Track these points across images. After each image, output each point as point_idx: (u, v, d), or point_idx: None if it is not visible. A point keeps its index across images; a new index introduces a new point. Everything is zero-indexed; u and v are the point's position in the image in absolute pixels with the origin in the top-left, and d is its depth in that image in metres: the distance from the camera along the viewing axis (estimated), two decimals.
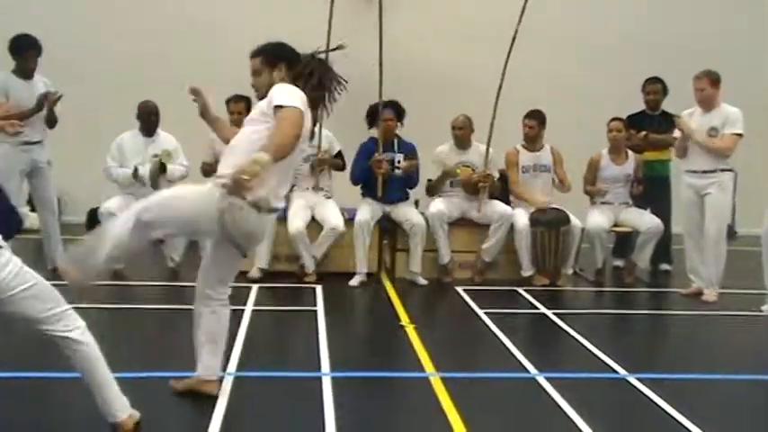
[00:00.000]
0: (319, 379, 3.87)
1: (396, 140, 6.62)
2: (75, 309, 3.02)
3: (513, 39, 6.62)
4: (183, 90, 4.04)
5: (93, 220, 7.29)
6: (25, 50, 6.02)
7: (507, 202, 6.77)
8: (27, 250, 6.69)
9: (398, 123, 6.64)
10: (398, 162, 6.55)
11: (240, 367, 4.03)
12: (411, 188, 6.72)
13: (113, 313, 5.23)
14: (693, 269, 6.23)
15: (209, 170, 6.60)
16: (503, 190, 6.85)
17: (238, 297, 5.55)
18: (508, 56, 6.62)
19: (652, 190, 6.86)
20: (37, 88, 6.12)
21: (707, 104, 5.98)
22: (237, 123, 6.48)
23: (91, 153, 7.17)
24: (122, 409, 3.02)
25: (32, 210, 7.11)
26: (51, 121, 6.21)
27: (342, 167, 6.77)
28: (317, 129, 6.29)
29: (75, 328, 2.95)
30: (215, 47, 8.92)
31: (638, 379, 3.99)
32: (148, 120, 6.50)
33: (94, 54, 8.88)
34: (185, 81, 8.12)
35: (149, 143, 6.51)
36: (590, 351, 4.54)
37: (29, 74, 6.10)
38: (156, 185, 6.15)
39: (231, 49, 8.73)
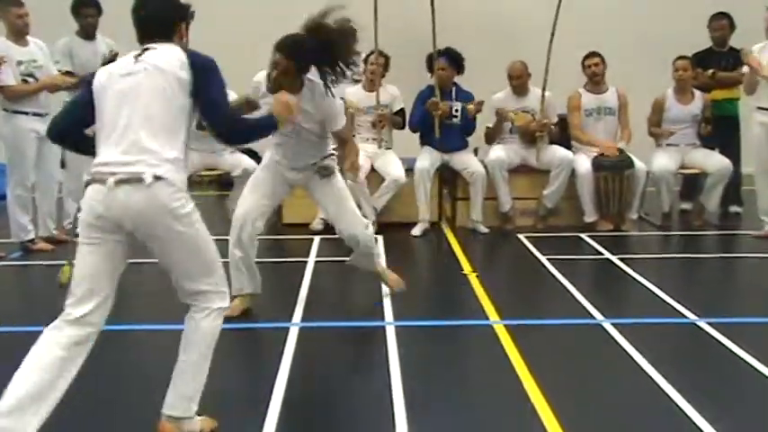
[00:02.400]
0: (383, 328, 3.90)
1: (453, 89, 6.52)
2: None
3: None
4: None
5: None
6: (79, 8, 6.09)
7: (568, 147, 6.63)
8: None
9: (456, 72, 6.52)
10: (456, 110, 6.46)
11: (304, 317, 4.08)
12: (469, 135, 6.63)
13: None
14: (766, 210, 6.03)
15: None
16: (562, 135, 6.71)
17: (301, 249, 5.66)
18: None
19: (720, 130, 6.62)
20: (100, 48, 6.20)
21: None
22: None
23: None
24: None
25: None
26: None
27: (402, 125, 6.69)
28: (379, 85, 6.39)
29: (215, 308, 2.74)
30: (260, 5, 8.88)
31: (709, 323, 3.90)
32: None
33: None
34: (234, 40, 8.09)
35: None
36: (657, 296, 4.45)
37: (90, 34, 6.16)
38: None
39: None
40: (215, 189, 8.46)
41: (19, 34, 5.60)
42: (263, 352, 3.70)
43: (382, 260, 5.01)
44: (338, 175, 4.16)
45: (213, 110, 2.69)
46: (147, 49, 2.67)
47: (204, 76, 2.64)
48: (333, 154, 4.17)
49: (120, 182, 2.50)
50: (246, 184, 4.23)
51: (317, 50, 3.67)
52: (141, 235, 2.57)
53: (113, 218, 2.52)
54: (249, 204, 4.07)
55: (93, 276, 2.56)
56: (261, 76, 3.93)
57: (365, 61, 6.53)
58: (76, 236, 2.66)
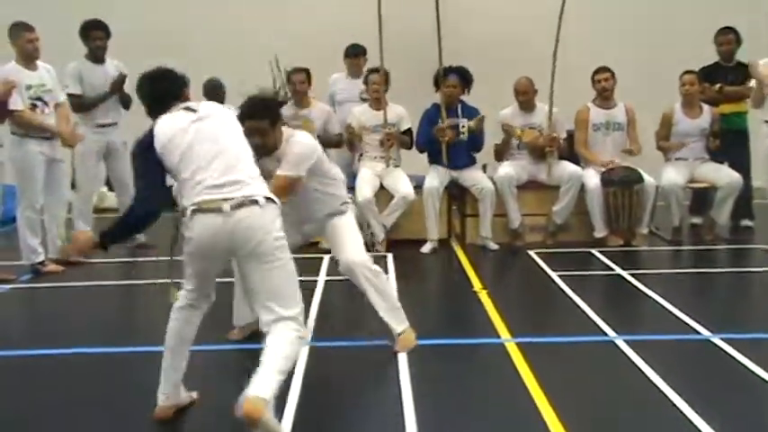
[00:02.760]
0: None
1: (459, 106, 6.53)
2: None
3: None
4: None
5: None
6: (88, 32, 6.14)
7: (577, 162, 6.62)
8: None
9: (464, 90, 6.54)
10: (462, 127, 6.47)
11: (315, 336, 4.07)
12: (477, 152, 6.63)
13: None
14: None
15: None
16: (571, 150, 6.70)
17: (311, 267, 5.65)
18: (561, 12, 6.41)
19: (729, 143, 6.60)
20: (110, 71, 6.24)
21: None
22: (300, 95, 6.55)
23: None
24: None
25: (111, 189, 7.34)
26: (126, 102, 6.32)
27: (409, 145, 6.67)
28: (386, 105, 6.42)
29: (294, 330, 2.89)
30: (269, 20, 8.94)
31: (723, 339, 3.87)
32: (213, 96, 6.56)
33: (160, 31, 8.95)
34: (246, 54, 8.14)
35: None
36: (670, 312, 4.42)
37: (99, 57, 6.22)
38: None
39: (283, 20, 8.89)
40: None
41: (29, 59, 5.64)
42: None
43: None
44: (348, 212, 4.03)
45: None
46: (187, 107, 3.04)
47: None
48: (347, 201, 4.04)
49: (236, 206, 2.81)
50: None
51: (274, 102, 3.84)
52: (247, 255, 2.86)
53: (228, 242, 2.84)
54: None
55: (202, 282, 3.03)
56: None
57: (366, 80, 6.57)
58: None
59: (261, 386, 2.64)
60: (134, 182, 3.13)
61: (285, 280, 2.91)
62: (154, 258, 6.09)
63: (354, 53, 7.10)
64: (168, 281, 3.14)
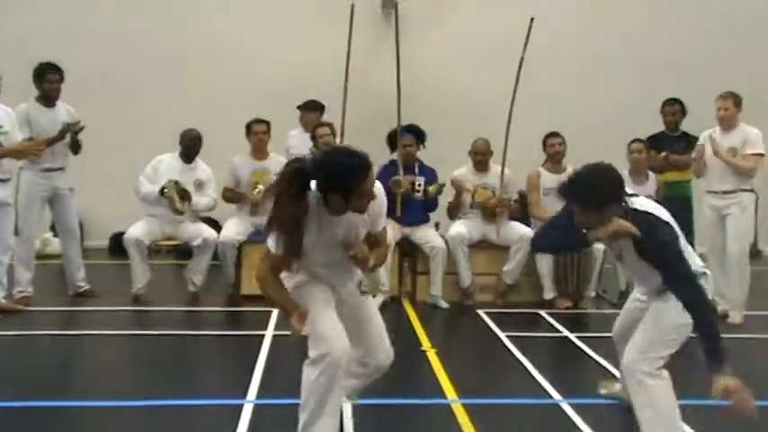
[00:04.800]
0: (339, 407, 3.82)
1: (417, 164, 6.62)
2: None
3: (521, 62, 6.62)
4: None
5: (118, 245, 7.33)
6: (43, 75, 6.08)
7: (528, 224, 6.72)
8: (50, 276, 6.77)
9: (419, 146, 6.64)
10: (419, 185, 6.54)
11: (259, 394, 4.00)
12: (431, 211, 6.69)
13: (133, 339, 5.24)
14: (718, 291, 6.11)
15: (230, 196, 6.65)
16: (523, 211, 6.81)
17: (258, 322, 5.57)
18: (517, 78, 6.61)
19: (673, 211, 6.71)
20: (60, 116, 6.17)
21: (728, 124, 5.95)
22: (261, 145, 6.55)
23: (113, 176, 7.20)
24: None
25: (55, 235, 7.18)
26: (75, 147, 6.24)
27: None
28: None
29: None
30: (235, 70, 9.02)
31: None
32: (191, 147, 6.52)
33: (110, 75, 8.90)
34: (206, 103, 8.27)
35: (186, 169, 6.49)
36: (614, 375, 4.46)
37: (50, 101, 6.15)
38: (177, 210, 6.20)
39: (251, 71, 8.97)
40: (174, 258, 8.35)
41: None
42: (215, 429, 3.59)
43: None
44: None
45: None
46: None
47: None
48: None
49: None
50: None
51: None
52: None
53: None
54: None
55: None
56: None
57: (313, 134, 6.50)
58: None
59: None
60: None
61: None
62: (96, 308, 5.96)
63: (306, 107, 7.18)
64: None
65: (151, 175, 6.45)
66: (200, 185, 6.51)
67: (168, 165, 6.48)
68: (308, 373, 3.01)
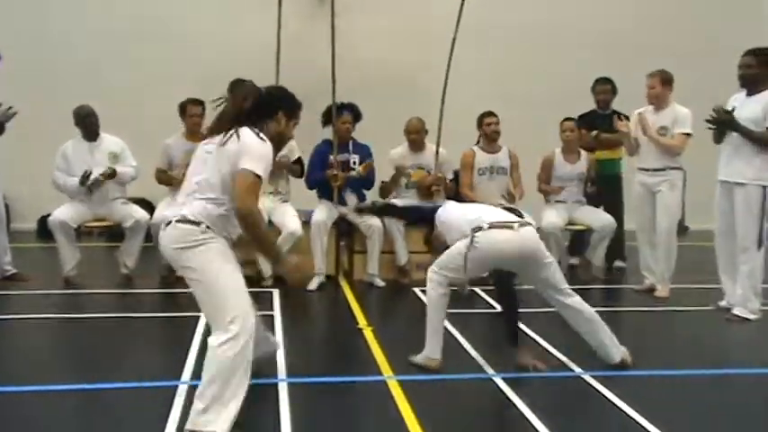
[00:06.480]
0: (275, 385, 3.83)
1: (350, 142, 6.61)
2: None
3: (453, 41, 6.70)
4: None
5: (44, 228, 7.13)
6: None
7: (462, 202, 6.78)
8: None
9: (354, 125, 6.63)
10: (354, 163, 6.54)
11: (194, 375, 3.96)
12: (367, 189, 6.71)
13: (64, 323, 5.12)
14: (646, 266, 6.33)
15: (162, 177, 6.52)
16: (457, 191, 6.87)
17: (192, 304, 5.48)
18: (450, 58, 6.67)
19: (605, 188, 6.95)
20: None
21: (657, 103, 6.09)
22: (195, 128, 6.43)
23: (38, 158, 6.98)
24: None
25: None
26: None
27: (300, 174, 6.66)
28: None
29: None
30: (166, 50, 8.83)
31: (593, 377, 4.03)
32: (87, 124, 6.35)
33: (39, 58, 8.67)
34: (139, 83, 8.12)
35: (93, 148, 6.36)
36: (546, 349, 4.58)
37: None
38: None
39: (182, 52, 8.80)
40: (105, 240, 8.18)
41: None
42: (149, 411, 3.55)
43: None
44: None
45: None
46: None
47: None
48: None
49: (522, 225, 4.14)
50: None
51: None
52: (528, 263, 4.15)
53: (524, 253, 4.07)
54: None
55: None
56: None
57: None
58: None
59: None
60: None
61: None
62: (25, 291, 5.80)
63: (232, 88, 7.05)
64: None
65: (63, 165, 6.31)
66: (115, 158, 6.39)
67: (75, 149, 6.35)
68: (225, 350, 3.02)
